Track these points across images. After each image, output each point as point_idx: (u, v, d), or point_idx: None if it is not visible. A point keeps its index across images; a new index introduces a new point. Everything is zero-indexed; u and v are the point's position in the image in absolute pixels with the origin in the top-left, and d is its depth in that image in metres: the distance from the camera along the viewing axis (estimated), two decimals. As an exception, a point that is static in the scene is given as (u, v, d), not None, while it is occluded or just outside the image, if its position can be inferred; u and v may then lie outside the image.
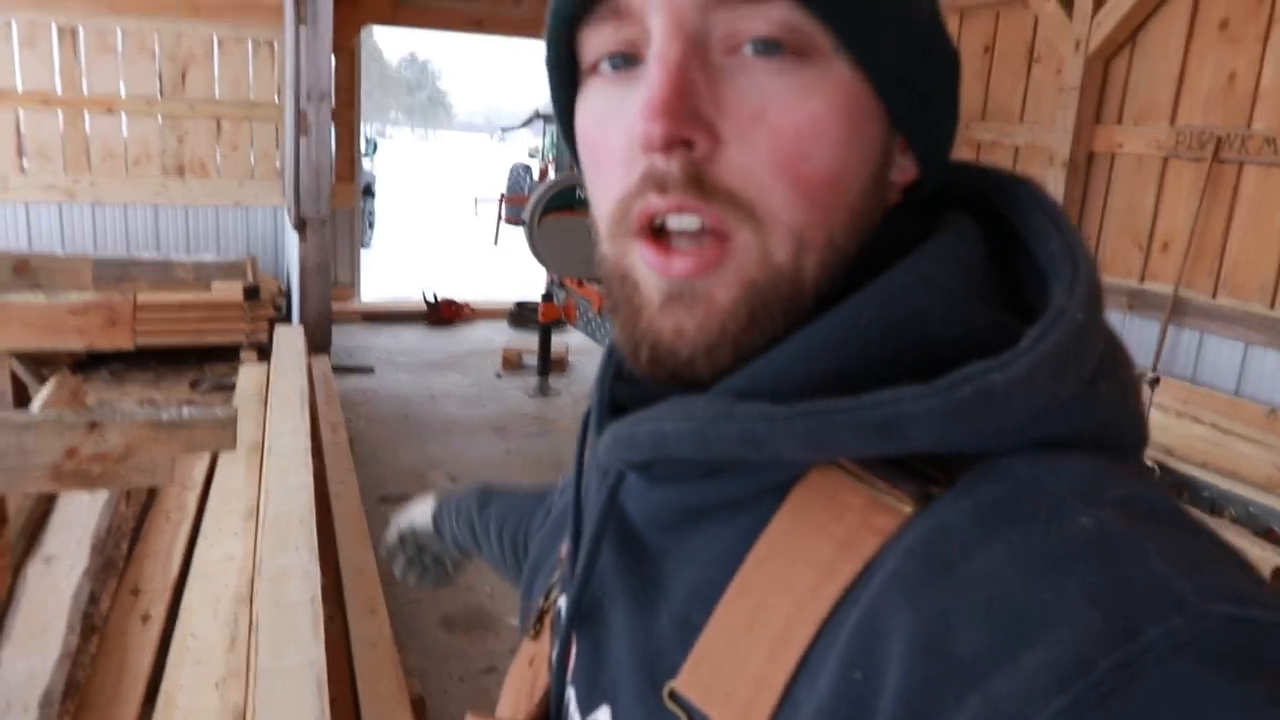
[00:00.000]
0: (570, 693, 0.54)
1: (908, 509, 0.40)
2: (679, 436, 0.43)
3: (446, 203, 21.51)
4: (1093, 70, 5.31)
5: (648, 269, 0.46)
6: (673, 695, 0.44)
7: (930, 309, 0.43)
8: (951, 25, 6.55)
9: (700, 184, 0.43)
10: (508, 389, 6.35)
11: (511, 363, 6.86)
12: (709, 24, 0.43)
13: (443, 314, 8.16)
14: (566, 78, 0.50)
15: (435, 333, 7.89)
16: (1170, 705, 0.29)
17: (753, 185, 0.43)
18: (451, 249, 14.08)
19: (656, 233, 0.45)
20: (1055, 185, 5.49)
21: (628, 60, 0.46)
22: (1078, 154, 5.42)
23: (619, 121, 0.45)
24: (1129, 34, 5.16)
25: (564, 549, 0.62)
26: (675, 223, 0.44)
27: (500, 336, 7.72)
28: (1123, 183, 5.33)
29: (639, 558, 0.51)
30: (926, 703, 0.34)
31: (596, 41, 0.46)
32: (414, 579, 1.12)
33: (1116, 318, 5.31)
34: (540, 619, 0.61)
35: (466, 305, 8.34)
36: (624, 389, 0.53)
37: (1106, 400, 0.42)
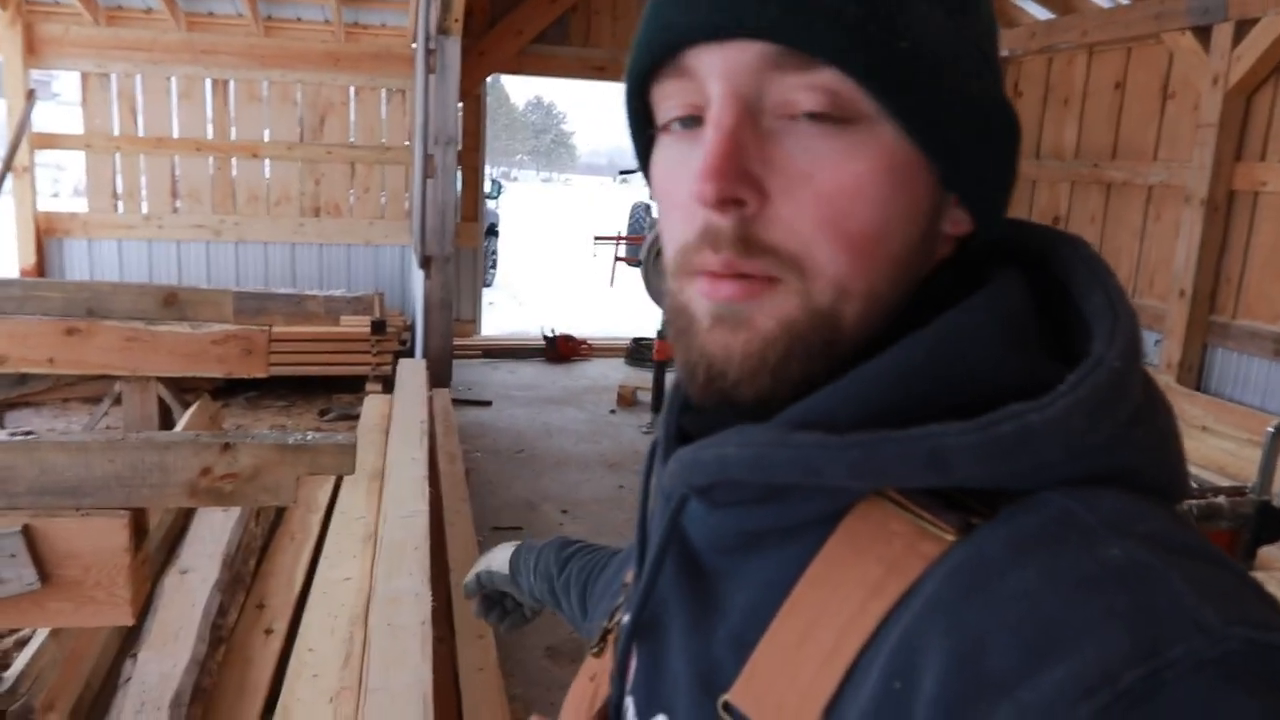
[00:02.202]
0: (628, 702, 0.58)
1: (950, 537, 0.42)
2: (739, 461, 0.47)
3: (567, 242, 21.99)
4: (1233, 105, 5.08)
5: (700, 297, 0.49)
6: (726, 706, 0.47)
7: (976, 355, 0.46)
8: (1079, 63, 6.38)
9: (746, 242, 0.47)
10: (622, 425, 6.41)
11: (627, 399, 6.93)
12: (762, 89, 0.46)
13: (560, 350, 8.32)
14: (644, 130, 0.55)
15: (553, 369, 8.04)
16: (1192, 717, 0.32)
17: (797, 241, 0.47)
18: (570, 287, 14.36)
19: (713, 276, 0.49)
20: (1192, 225, 5.26)
21: (694, 120, 0.49)
22: (1217, 192, 5.18)
23: (683, 176, 0.49)
24: (1272, 68, 4.92)
25: (629, 575, 0.66)
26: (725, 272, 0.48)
27: (616, 373, 7.81)
28: (1268, 222, 5.06)
29: (698, 578, 0.54)
30: (960, 710, 0.36)
31: (666, 100, 0.50)
32: (493, 619, 1.12)
33: (1262, 367, 5.01)
34: (604, 637, 0.65)
35: (584, 342, 8.48)
36: (690, 421, 0.56)
37: (1142, 445, 0.45)
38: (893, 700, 0.39)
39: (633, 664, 0.58)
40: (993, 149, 0.50)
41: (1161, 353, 5.52)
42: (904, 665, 0.39)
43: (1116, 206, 6.15)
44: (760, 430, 0.47)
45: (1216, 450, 4.49)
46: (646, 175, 0.56)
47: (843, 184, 0.46)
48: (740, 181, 0.46)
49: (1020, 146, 0.52)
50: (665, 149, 0.52)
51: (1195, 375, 5.37)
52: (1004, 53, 6.87)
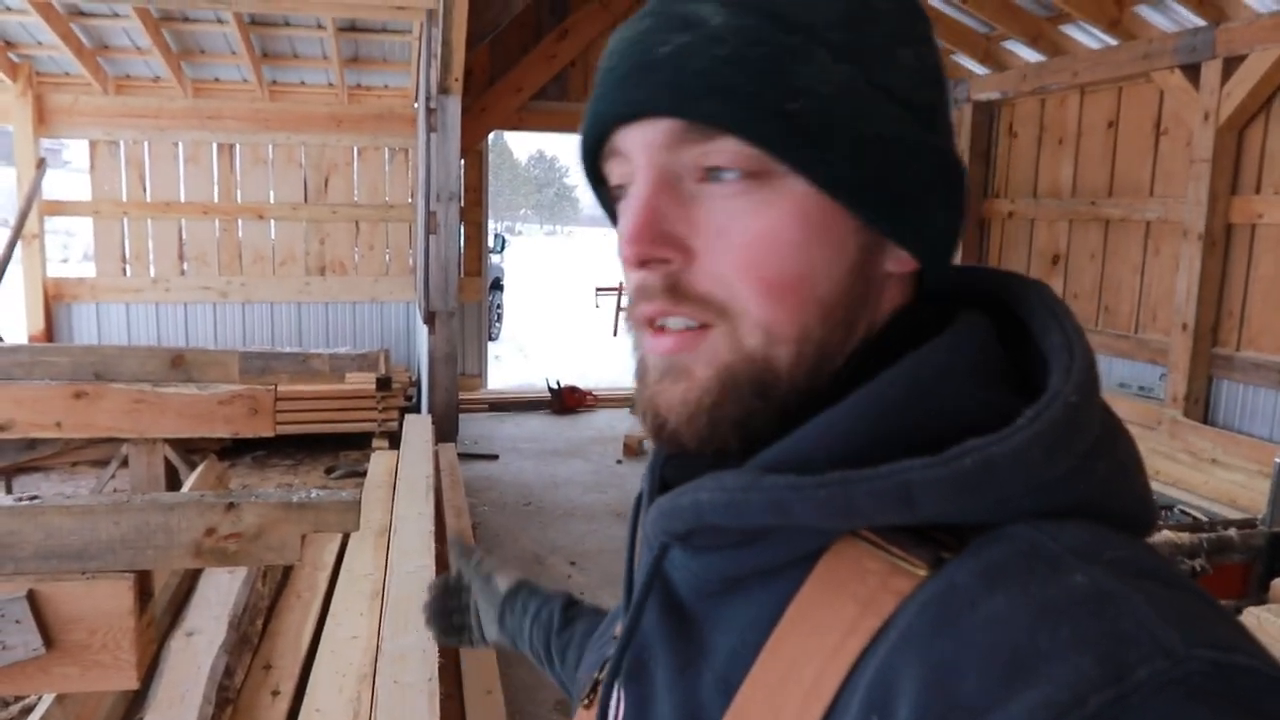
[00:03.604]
0: None
1: (922, 572, 0.44)
2: (713, 506, 0.48)
3: (571, 295, 22.11)
4: (1225, 140, 5.13)
5: (650, 352, 0.54)
6: None
7: (946, 392, 0.48)
8: (1072, 103, 6.46)
9: (675, 291, 0.51)
10: (629, 475, 6.39)
11: (633, 449, 6.92)
12: (677, 160, 0.51)
13: (566, 402, 8.33)
14: (606, 198, 0.59)
15: (559, 420, 8.04)
16: None
17: (722, 289, 0.50)
18: (575, 338, 14.42)
19: (658, 328, 0.53)
20: (1191, 259, 5.28)
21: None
22: (1214, 226, 5.21)
23: (619, 248, 0.54)
24: (1261, 103, 4.98)
25: (619, 627, 0.66)
26: (667, 322, 0.52)
27: (621, 424, 7.80)
28: (1267, 254, 5.08)
29: (683, 622, 0.55)
30: None
31: (612, 174, 0.55)
32: (434, 625, 1.07)
33: (1269, 397, 4.99)
34: (595, 688, 0.65)
35: (589, 393, 8.49)
36: (672, 470, 0.58)
37: (1103, 476, 0.46)
38: None
39: (620, 712, 0.59)
40: (920, 188, 0.51)
41: (1167, 386, 5.50)
42: (880, 698, 0.40)
43: (1115, 243, 6.18)
44: (733, 475, 0.49)
45: (1226, 483, 4.46)
46: None
47: (757, 235, 0.49)
48: (659, 243, 0.50)
49: (962, 184, 0.53)
50: (619, 215, 0.56)
51: (1202, 408, 5.35)
52: (996, 95, 6.96)
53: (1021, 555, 0.41)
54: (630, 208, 0.51)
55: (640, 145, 0.51)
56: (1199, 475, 4.63)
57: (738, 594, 0.52)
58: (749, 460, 0.50)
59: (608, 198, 0.59)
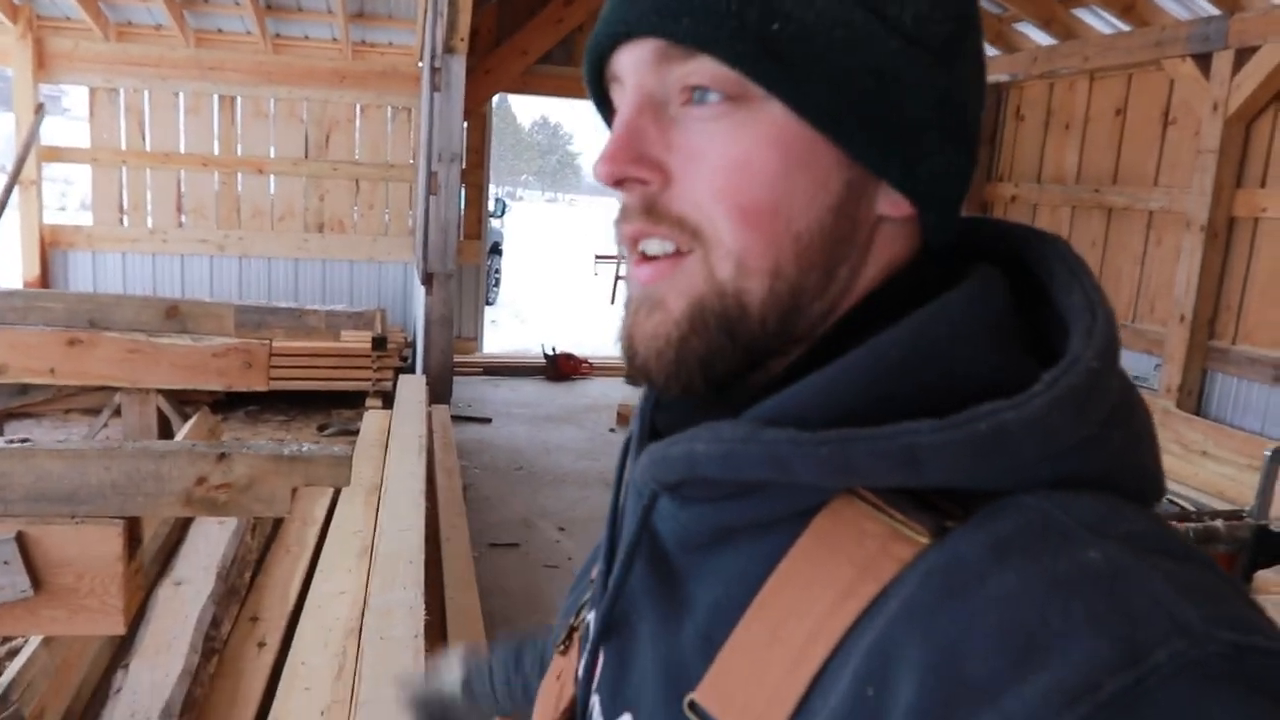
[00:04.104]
0: (594, 701, 0.58)
1: (925, 539, 0.42)
2: (708, 457, 0.47)
3: (570, 262, 22.05)
4: (1233, 132, 5.11)
5: (634, 281, 0.53)
6: (692, 705, 0.47)
7: (952, 351, 0.46)
8: (1081, 88, 6.42)
9: (651, 212, 0.50)
10: (621, 444, 6.40)
11: (626, 418, 6.93)
12: (661, 82, 0.50)
13: (561, 368, 8.33)
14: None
15: (553, 387, 8.05)
16: None
17: (698, 212, 0.49)
18: (573, 306, 14.40)
19: (642, 255, 0.52)
20: (1193, 251, 5.27)
21: None
22: (1217, 219, 5.20)
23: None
24: (1271, 95, 4.95)
25: (595, 571, 0.65)
26: (651, 246, 0.51)
27: (616, 392, 7.81)
28: (1268, 248, 5.07)
29: (667, 575, 0.54)
30: (940, 718, 0.35)
31: (616, 102, 0.55)
32: None
33: (1262, 392, 5.01)
34: (570, 635, 0.64)
35: (585, 361, 8.49)
36: (663, 417, 0.56)
37: (1118, 447, 0.45)
38: (865, 706, 0.38)
39: (600, 663, 0.58)
40: (917, 128, 0.49)
41: (1161, 377, 5.52)
42: (878, 671, 0.39)
43: (1117, 231, 6.17)
44: (730, 426, 0.47)
45: (1216, 475, 4.48)
46: None
47: (732, 159, 0.48)
48: (636, 162, 0.50)
49: (970, 129, 0.51)
50: None
51: (1195, 400, 5.37)
52: (1005, 77, 6.91)
53: (1032, 528, 0.39)
54: (613, 128, 0.51)
55: (630, 66, 0.51)
56: (1189, 467, 4.66)
57: (725, 547, 0.50)
58: (745, 411, 0.48)
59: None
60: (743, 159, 0.48)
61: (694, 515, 0.51)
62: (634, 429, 0.59)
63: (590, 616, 0.61)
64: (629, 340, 0.53)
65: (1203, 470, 4.58)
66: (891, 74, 0.48)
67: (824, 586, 0.43)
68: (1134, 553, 0.37)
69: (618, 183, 0.51)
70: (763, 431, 0.45)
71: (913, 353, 0.46)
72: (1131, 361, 5.97)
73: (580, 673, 0.59)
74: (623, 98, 0.52)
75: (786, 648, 0.43)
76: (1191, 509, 3.75)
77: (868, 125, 0.48)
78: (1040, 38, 6.48)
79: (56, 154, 7.45)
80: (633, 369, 0.53)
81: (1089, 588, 0.35)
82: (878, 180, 0.50)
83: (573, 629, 0.64)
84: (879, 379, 0.46)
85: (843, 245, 0.50)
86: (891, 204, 0.50)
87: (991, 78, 7.05)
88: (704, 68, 0.48)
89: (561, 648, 0.64)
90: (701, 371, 0.50)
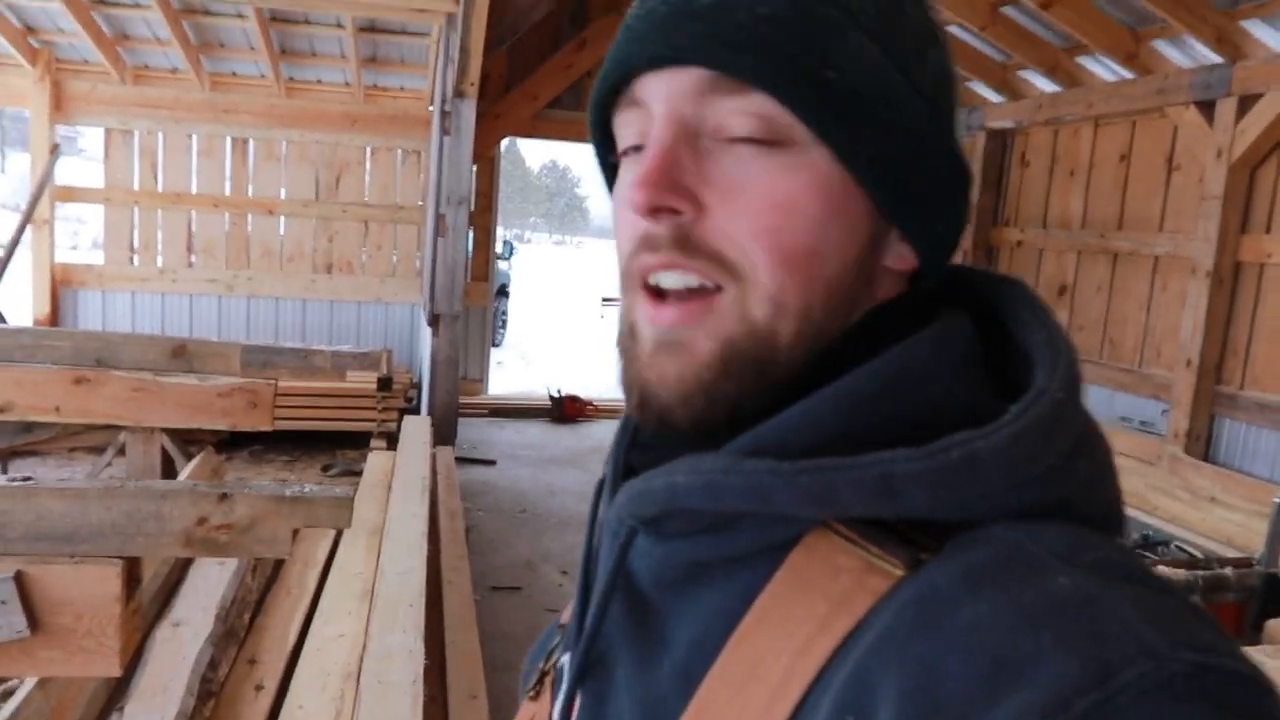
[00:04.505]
0: None
1: (899, 572, 0.43)
2: (689, 489, 0.47)
3: (576, 304, 22.13)
4: (1237, 178, 5.12)
5: (646, 321, 0.52)
6: None
7: (925, 386, 0.48)
8: (1085, 135, 6.47)
9: (685, 243, 0.49)
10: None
11: (629, 461, 6.90)
12: (700, 113, 0.49)
13: (566, 411, 8.32)
14: (608, 162, 0.58)
15: (558, 429, 8.04)
16: None
17: (734, 247, 0.49)
18: (578, 348, 14.42)
19: (655, 291, 0.51)
20: (1199, 296, 5.27)
21: (642, 147, 0.53)
22: (1223, 264, 5.20)
23: (626, 192, 0.52)
24: (1275, 142, 4.97)
25: (565, 614, 0.65)
26: (668, 280, 0.50)
27: (620, 434, 7.79)
28: (1274, 293, 5.06)
29: (644, 614, 0.54)
30: None
31: (622, 130, 0.54)
32: None
33: (1271, 438, 4.98)
34: (541, 680, 0.64)
35: (590, 403, 8.48)
36: (639, 456, 0.56)
37: (1083, 477, 0.46)
38: None
39: (576, 706, 0.57)
40: (935, 187, 0.52)
41: (1169, 422, 5.48)
42: (856, 700, 0.39)
43: (1123, 276, 6.17)
44: (710, 458, 0.48)
45: (1224, 521, 4.44)
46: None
47: (776, 198, 0.48)
48: (673, 192, 0.49)
49: (969, 193, 0.54)
50: (621, 176, 0.55)
51: (1203, 446, 5.33)
52: (1010, 123, 6.97)
53: (1003, 557, 0.40)
54: (646, 154, 0.50)
55: (664, 93, 0.50)
56: (1197, 513, 4.61)
57: (701, 583, 0.50)
58: (723, 444, 0.49)
59: (609, 163, 0.58)
60: (788, 201, 0.48)
61: (670, 551, 0.52)
62: (608, 470, 0.59)
63: (564, 660, 0.60)
64: (641, 384, 0.52)
65: (1210, 516, 4.53)
66: (918, 133, 0.50)
67: (800, 621, 0.44)
68: (1101, 580, 0.38)
69: (653, 211, 0.49)
70: (743, 462, 0.46)
71: (885, 386, 0.47)
72: (1138, 407, 5.94)
73: (557, 717, 0.59)
74: (642, 130, 0.52)
75: (764, 684, 0.44)
76: (1200, 556, 3.71)
77: (901, 181, 0.50)
78: (1045, 85, 6.54)
79: (70, 194, 7.54)
80: (647, 413, 0.52)
81: (1058, 613, 0.36)
82: (888, 234, 0.52)
83: (543, 673, 0.64)
84: (854, 411, 0.47)
85: (859, 292, 0.52)
86: (898, 258, 0.52)
87: (997, 124, 7.11)
88: (754, 105, 0.48)
89: (532, 693, 0.64)
90: (730, 413, 0.49)
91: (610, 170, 0.58)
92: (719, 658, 0.46)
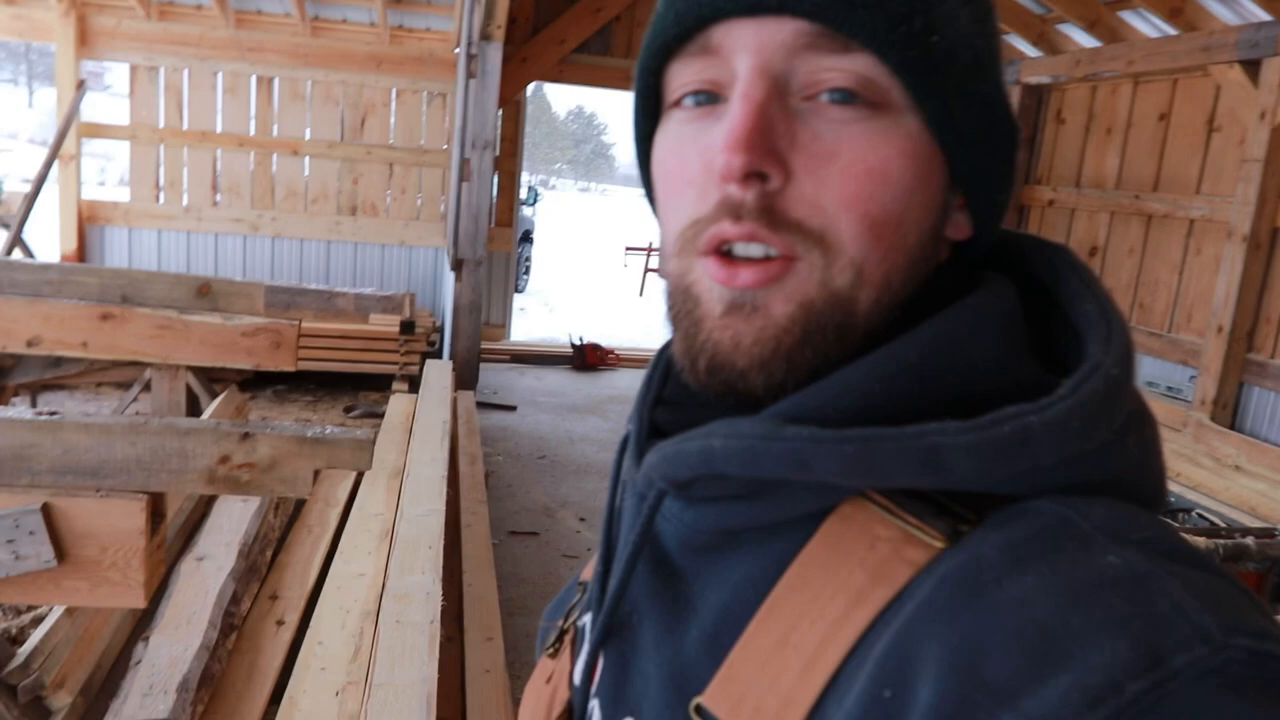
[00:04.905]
0: (594, 705, 0.56)
1: (939, 544, 0.42)
2: (727, 453, 0.45)
3: (600, 252, 22.06)
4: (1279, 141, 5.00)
5: (711, 282, 0.48)
6: (699, 710, 0.46)
7: (970, 355, 0.46)
8: (1124, 92, 6.32)
9: (771, 214, 0.46)
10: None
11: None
12: (792, 69, 0.46)
13: (587, 359, 8.33)
14: (651, 109, 0.54)
15: (579, 377, 8.06)
16: None
17: (821, 216, 0.46)
18: (601, 296, 14.40)
19: (724, 255, 0.48)
20: (1234, 261, 5.17)
21: (711, 97, 0.49)
22: (1260, 229, 5.09)
23: (698, 150, 0.49)
24: (1321, 103, 4.84)
25: (586, 572, 0.65)
26: (742, 249, 0.47)
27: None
28: (1311, 261, 4.97)
29: (670, 578, 0.52)
30: (960, 719, 0.35)
31: (683, 77, 0.50)
32: None
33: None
34: (561, 638, 0.63)
35: (611, 351, 8.49)
36: (664, 415, 0.55)
37: (1133, 454, 0.45)
38: (882, 708, 0.38)
39: (599, 667, 0.56)
40: (998, 152, 0.51)
41: (1196, 389, 5.42)
42: (895, 673, 0.38)
43: (1156, 239, 6.07)
44: (749, 423, 0.46)
45: (1248, 490, 4.40)
46: (643, 159, 0.56)
47: (870, 165, 0.46)
48: (766, 155, 0.45)
49: (1017, 155, 0.53)
50: (674, 126, 0.51)
51: (1230, 413, 5.28)
52: (1046, 79, 6.82)
53: (1050, 532, 0.39)
54: (737, 111, 0.46)
55: (755, 44, 0.46)
56: (1220, 481, 4.58)
57: (731, 550, 0.49)
58: (764, 409, 0.47)
59: (650, 112, 0.54)
60: (882, 168, 0.46)
61: (700, 516, 0.50)
62: (632, 428, 0.57)
63: (586, 620, 0.60)
64: (714, 347, 0.48)
65: (1234, 485, 4.50)
66: (993, 102, 0.49)
67: (836, 591, 0.43)
68: (1151, 559, 0.37)
69: (747, 176, 0.46)
70: (784, 428, 0.44)
71: (930, 354, 0.46)
72: (1167, 372, 5.88)
73: (578, 677, 0.58)
74: (719, 73, 0.48)
75: (799, 652, 0.43)
76: (1222, 525, 3.69)
77: (975, 148, 0.49)
78: (1084, 39, 6.38)
79: (96, 130, 7.54)
80: (715, 377, 0.49)
81: (1109, 592, 0.35)
82: (953, 202, 0.51)
83: (563, 631, 0.63)
84: (898, 380, 0.45)
85: (929, 261, 0.50)
86: (956, 226, 0.51)
87: (1033, 79, 6.96)
88: (859, 65, 0.45)
89: (551, 650, 0.63)
90: (809, 377, 0.47)
91: (648, 120, 0.54)
92: (750, 625, 0.45)
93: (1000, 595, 0.37)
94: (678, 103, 0.51)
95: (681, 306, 0.50)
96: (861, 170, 0.46)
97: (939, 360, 0.46)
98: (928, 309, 0.48)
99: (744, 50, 0.46)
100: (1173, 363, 5.81)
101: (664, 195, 0.52)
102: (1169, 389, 5.81)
